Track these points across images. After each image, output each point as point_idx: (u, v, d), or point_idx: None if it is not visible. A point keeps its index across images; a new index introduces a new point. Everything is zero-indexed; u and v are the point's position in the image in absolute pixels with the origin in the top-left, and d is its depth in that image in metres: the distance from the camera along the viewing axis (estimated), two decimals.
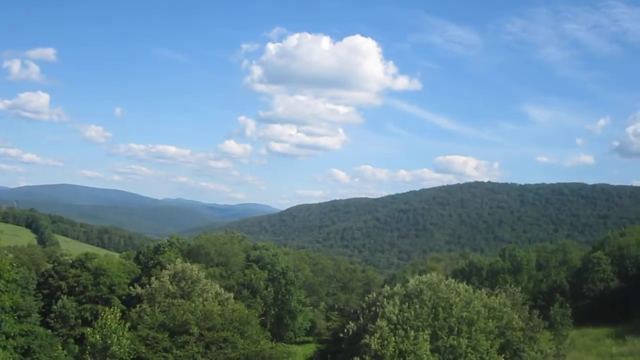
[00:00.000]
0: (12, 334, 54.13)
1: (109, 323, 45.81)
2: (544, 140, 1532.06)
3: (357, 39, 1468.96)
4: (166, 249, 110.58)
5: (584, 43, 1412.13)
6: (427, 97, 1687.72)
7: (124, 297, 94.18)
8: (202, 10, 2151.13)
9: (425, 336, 46.76)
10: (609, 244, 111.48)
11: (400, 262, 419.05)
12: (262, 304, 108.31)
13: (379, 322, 48.57)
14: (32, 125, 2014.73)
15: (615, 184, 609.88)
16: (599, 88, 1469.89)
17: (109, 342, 45.18)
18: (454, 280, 58.09)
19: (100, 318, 46.71)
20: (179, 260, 74.85)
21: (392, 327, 48.15)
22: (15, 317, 54.35)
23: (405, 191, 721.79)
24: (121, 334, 45.77)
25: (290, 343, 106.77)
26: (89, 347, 46.78)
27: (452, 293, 53.03)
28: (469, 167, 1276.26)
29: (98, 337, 45.85)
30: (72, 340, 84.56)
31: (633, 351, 70.80)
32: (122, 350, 45.29)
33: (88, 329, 48.69)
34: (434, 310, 51.01)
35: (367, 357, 45.82)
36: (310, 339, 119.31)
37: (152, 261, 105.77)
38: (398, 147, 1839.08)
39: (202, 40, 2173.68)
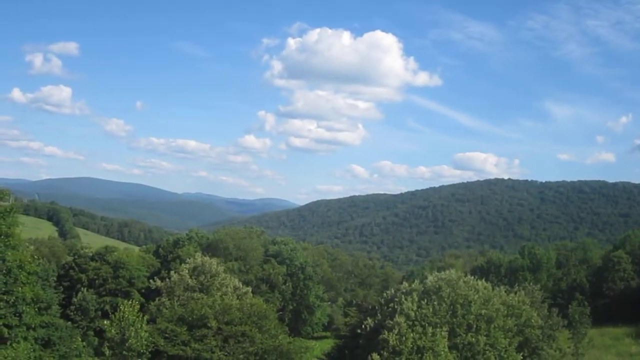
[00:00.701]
0: (32, 326, 54.59)
1: (126, 316, 46.01)
2: (565, 138, 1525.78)
3: (378, 35, 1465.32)
4: (185, 242, 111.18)
5: (606, 40, 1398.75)
6: (447, 94, 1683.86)
7: (143, 291, 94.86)
8: (223, 4, 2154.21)
9: (443, 333, 46.68)
10: (630, 243, 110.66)
11: (418, 259, 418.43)
12: (280, 299, 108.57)
13: (397, 318, 48.58)
14: (53, 118, 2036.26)
15: (637, 182, 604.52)
16: (620, 85, 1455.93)
17: (127, 335, 45.41)
18: (472, 277, 57.94)
19: (118, 311, 46.96)
20: (198, 254, 75.09)
21: (410, 323, 48.14)
22: (36, 309, 54.79)
23: (424, 187, 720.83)
24: (139, 326, 45.99)
25: (307, 338, 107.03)
26: (106, 340, 47.07)
27: (471, 290, 52.91)
28: (489, 163, 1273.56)
29: (114, 331, 46.07)
30: (91, 333, 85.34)
31: None
32: (139, 343, 45.51)
33: (105, 322, 48.94)
34: (452, 307, 50.92)
35: (385, 353, 45.83)
36: (328, 334, 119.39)
37: (171, 255, 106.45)
38: (417, 143, 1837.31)
39: (223, 35, 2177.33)
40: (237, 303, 55.14)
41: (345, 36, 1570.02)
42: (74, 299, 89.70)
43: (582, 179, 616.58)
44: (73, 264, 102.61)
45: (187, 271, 65.71)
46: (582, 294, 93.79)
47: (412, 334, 46.16)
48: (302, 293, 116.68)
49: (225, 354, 48.85)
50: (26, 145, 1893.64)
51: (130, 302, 47.87)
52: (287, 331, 60.61)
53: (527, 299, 59.79)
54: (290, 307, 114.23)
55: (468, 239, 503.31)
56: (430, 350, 44.97)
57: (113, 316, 46.82)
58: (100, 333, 74.15)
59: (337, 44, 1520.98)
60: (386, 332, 47.31)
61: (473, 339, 48.92)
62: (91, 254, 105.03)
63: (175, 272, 67.62)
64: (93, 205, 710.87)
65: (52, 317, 66.38)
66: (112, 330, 45.90)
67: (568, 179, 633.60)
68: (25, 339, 52.25)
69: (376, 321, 55.17)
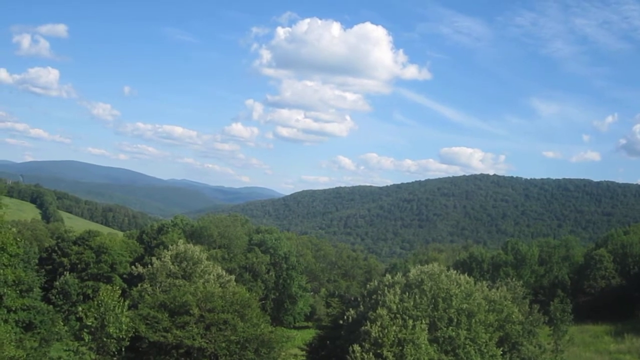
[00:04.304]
0: (13, 308, 54.36)
1: (105, 300, 45.72)
2: (551, 136, 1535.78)
3: (368, 27, 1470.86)
4: (170, 229, 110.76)
5: (593, 39, 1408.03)
6: (435, 88, 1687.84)
7: (125, 276, 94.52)
8: None
9: (423, 326, 46.78)
10: (612, 242, 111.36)
11: (402, 252, 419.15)
12: (263, 288, 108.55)
13: (379, 310, 48.63)
14: (40, 100, 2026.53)
15: (621, 181, 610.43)
16: (607, 85, 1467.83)
17: (106, 320, 45.14)
18: (455, 271, 58.07)
19: (96, 296, 46.65)
20: (181, 241, 74.89)
21: (392, 315, 48.22)
22: (17, 292, 54.49)
23: (410, 181, 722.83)
24: (120, 312, 45.77)
25: (289, 328, 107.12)
26: (84, 327, 46.81)
27: (453, 284, 53.03)
28: (475, 159, 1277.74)
29: (93, 319, 45.80)
30: (73, 317, 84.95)
31: (631, 349, 70.94)
32: (118, 328, 45.28)
33: (80, 308, 48.52)
34: (433, 300, 51.04)
35: (366, 345, 45.91)
36: (310, 324, 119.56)
37: (155, 241, 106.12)
38: (404, 136, 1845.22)
39: (212, 23, 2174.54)
40: (220, 291, 55.03)
41: (335, 27, 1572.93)
42: (56, 283, 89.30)
43: (567, 177, 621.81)
44: (56, 248, 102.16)
45: (169, 257, 65.47)
46: (564, 291, 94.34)
47: (393, 327, 46.27)
48: (285, 283, 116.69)
49: (207, 341, 48.80)
50: (12, 126, 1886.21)
51: (110, 288, 47.63)
52: (269, 320, 60.58)
53: (509, 295, 60.06)
54: (273, 297, 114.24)
55: (452, 233, 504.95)
56: (411, 343, 45.11)
57: (91, 302, 46.50)
58: (82, 318, 74.05)
59: (327, 35, 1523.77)
60: (368, 324, 47.39)
61: (454, 333, 49.10)
62: (74, 238, 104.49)
63: (157, 259, 67.37)
64: (78, 189, 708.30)
65: (33, 300, 66.16)
66: (91, 318, 45.63)
67: (553, 177, 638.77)
68: (5, 321, 52.00)
69: (358, 313, 55.26)
